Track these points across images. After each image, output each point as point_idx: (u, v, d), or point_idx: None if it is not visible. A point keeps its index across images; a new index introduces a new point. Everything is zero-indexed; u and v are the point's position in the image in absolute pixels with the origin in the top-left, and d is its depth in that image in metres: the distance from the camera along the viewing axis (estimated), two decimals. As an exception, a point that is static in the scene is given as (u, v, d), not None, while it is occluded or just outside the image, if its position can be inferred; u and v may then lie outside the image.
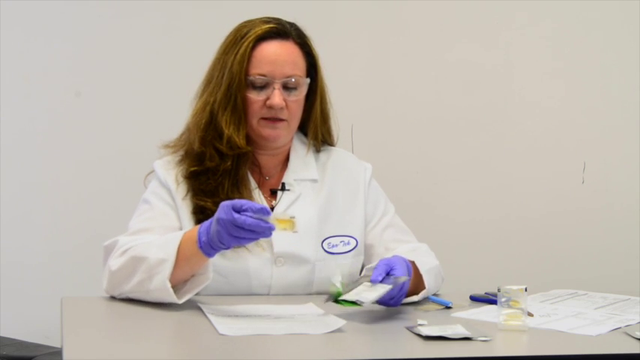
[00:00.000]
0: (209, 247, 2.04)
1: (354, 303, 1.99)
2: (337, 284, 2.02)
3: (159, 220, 2.26)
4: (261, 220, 1.96)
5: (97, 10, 3.42)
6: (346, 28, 3.51)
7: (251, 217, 1.96)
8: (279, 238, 2.26)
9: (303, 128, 2.38)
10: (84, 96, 3.44)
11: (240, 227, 1.96)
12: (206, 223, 2.06)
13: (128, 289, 2.13)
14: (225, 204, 1.99)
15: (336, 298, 2.02)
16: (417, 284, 2.16)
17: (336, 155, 2.41)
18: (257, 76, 2.25)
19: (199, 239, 2.05)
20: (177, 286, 2.09)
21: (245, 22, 2.32)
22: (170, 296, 2.06)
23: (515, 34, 3.56)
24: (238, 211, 1.97)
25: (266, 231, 1.97)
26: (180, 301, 2.07)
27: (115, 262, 2.15)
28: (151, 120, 3.27)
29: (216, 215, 2.01)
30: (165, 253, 2.08)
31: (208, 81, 2.31)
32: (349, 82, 3.48)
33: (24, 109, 3.43)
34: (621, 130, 3.57)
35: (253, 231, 1.97)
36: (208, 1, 3.38)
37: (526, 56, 3.56)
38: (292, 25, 2.33)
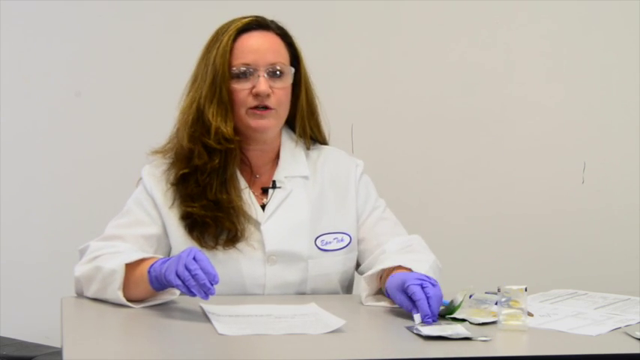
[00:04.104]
0: (155, 279, 2.06)
1: (462, 320, 1.99)
2: (458, 301, 2.02)
3: (131, 227, 2.28)
4: (206, 280, 1.96)
5: (97, 10, 3.42)
6: (346, 28, 3.51)
7: (200, 271, 1.97)
8: (271, 237, 2.27)
9: (292, 125, 2.39)
10: (84, 96, 3.44)
11: (188, 269, 1.97)
12: (163, 259, 2.08)
13: (90, 295, 2.17)
14: (192, 249, 2.01)
15: (449, 312, 2.02)
16: None
17: (328, 153, 2.42)
18: (241, 66, 2.26)
19: (150, 268, 2.07)
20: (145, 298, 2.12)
21: (226, 22, 2.34)
22: (126, 304, 2.09)
23: (515, 34, 3.56)
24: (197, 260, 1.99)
25: (202, 288, 1.96)
26: (137, 307, 2.09)
27: (80, 269, 2.20)
28: (152, 120, 3.26)
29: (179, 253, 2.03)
30: (116, 264, 2.11)
31: (194, 79, 2.32)
32: (349, 82, 3.49)
33: (24, 109, 3.43)
34: (621, 130, 3.57)
35: (194, 277, 1.96)
36: (208, 1, 3.38)
37: (526, 56, 3.56)
38: (272, 20, 2.35)
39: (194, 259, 1.98)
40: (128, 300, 2.09)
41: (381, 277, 2.19)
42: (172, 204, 2.28)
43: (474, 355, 1.79)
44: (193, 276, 1.96)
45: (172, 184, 2.29)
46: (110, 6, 3.42)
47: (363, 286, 2.20)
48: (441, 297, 2.01)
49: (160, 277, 2.03)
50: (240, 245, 2.26)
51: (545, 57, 3.57)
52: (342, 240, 2.34)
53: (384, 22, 3.52)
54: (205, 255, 2.00)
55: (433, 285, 2.01)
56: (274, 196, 2.32)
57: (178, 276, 1.97)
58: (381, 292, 2.20)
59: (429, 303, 1.97)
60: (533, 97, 3.57)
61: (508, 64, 3.56)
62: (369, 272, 2.20)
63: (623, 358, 1.83)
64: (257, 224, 2.29)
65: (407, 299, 2.01)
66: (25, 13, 3.39)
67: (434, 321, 1.97)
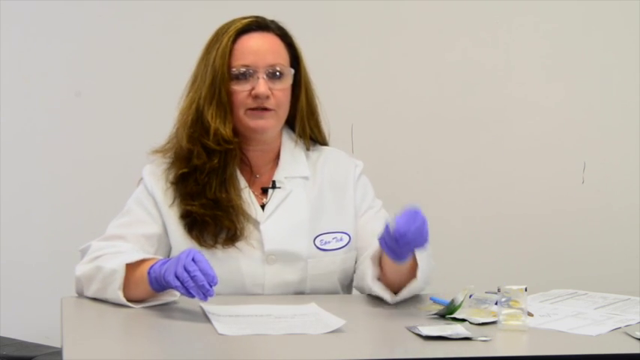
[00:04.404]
0: (154, 280, 2.06)
1: (462, 320, 1.99)
2: (459, 301, 2.02)
3: (133, 227, 2.28)
4: (204, 282, 1.96)
5: (97, 10, 3.42)
6: (346, 28, 3.51)
7: (199, 272, 1.97)
8: (270, 236, 2.27)
9: (292, 126, 2.39)
10: (84, 96, 3.44)
11: (186, 270, 1.97)
12: (163, 260, 2.08)
13: (90, 294, 2.17)
14: (191, 250, 2.01)
15: (449, 312, 2.02)
16: (412, 266, 2.16)
17: (327, 153, 2.42)
18: (240, 68, 2.26)
19: (150, 269, 2.07)
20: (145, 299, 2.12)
21: (225, 22, 2.34)
22: (126, 304, 2.09)
23: (515, 34, 3.56)
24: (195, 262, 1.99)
25: (201, 290, 1.96)
26: (137, 307, 2.09)
27: (81, 268, 2.20)
28: (152, 120, 3.26)
29: (179, 254, 2.02)
30: (117, 264, 2.11)
31: (193, 80, 2.32)
32: (349, 82, 3.48)
33: (24, 109, 3.43)
34: (621, 130, 3.57)
35: (193, 278, 1.96)
36: (209, 1, 3.38)
37: (526, 56, 3.56)
38: (272, 20, 2.35)
39: (193, 260, 1.98)
40: (128, 300, 2.09)
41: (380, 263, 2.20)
42: (172, 202, 2.29)
43: (474, 355, 1.79)
44: (192, 277, 1.96)
45: (172, 183, 2.29)
46: (110, 6, 3.42)
47: (368, 267, 2.19)
48: (423, 236, 2.05)
49: (159, 279, 2.03)
50: (240, 244, 2.27)
51: (545, 57, 3.56)
52: (341, 239, 2.34)
53: (384, 22, 3.52)
54: (204, 256, 2.00)
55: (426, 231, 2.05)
56: (274, 196, 2.33)
57: (177, 277, 1.97)
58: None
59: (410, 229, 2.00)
60: (533, 97, 3.57)
61: (508, 64, 3.56)
62: (374, 252, 2.19)
63: (623, 358, 1.83)
64: (256, 224, 2.29)
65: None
66: (25, 13, 3.39)
67: (392, 242, 2.00)
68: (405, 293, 2.16)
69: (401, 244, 2.03)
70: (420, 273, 2.15)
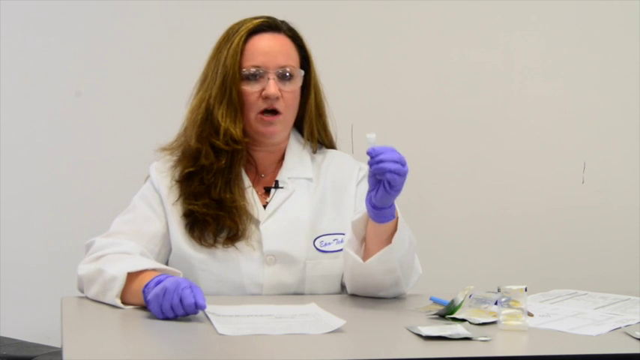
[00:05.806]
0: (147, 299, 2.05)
1: (462, 320, 1.99)
2: (459, 301, 2.02)
3: (137, 224, 2.28)
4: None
5: (97, 10, 3.42)
6: (346, 28, 3.51)
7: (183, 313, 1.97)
8: (269, 237, 2.27)
9: (300, 127, 2.39)
10: (84, 96, 3.43)
11: (172, 308, 1.96)
12: (158, 277, 2.06)
13: (90, 296, 2.18)
14: (179, 283, 1.98)
15: (449, 312, 2.02)
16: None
17: (332, 156, 2.42)
18: (251, 68, 2.26)
19: (145, 288, 2.06)
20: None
21: (237, 21, 2.33)
22: (123, 308, 2.10)
23: (515, 34, 3.56)
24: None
25: (190, 307, 1.95)
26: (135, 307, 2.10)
27: (83, 267, 2.20)
28: (152, 120, 3.27)
29: (166, 285, 1.99)
30: (118, 271, 2.10)
31: (203, 79, 2.33)
32: (349, 82, 3.48)
33: (24, 109, 3.42)
34: (621, 130, 3.57)
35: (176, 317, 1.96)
36: (208, 1, 3.38)
37: (526, 56, 3.56)
38: (283, 21, 2.35)
39: (180, 300, 1.96)
40: (126, 304, 2.10)
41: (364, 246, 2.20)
42: (176, 200, 2.29)
43: (474, 355, 1.79)
44: (176, 317, 1.97)
45: (177, 181, 2.29)
46: (110, 6, 3.42)
47: (347, 231, 2.20)
48: (399, 157, 2.19)
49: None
50: (240, 245, 2.27)
51: (545, 57, 3.56)
52: (341, 241, 2.33)
53: (384, 22, 3.52)
54: (191, 292, 1.97)
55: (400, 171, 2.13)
56: (276, 196, 2.33)
57: (163, 312, 1.97)
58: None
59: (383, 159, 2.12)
60: (533, 97, 3.57)
61: (508, 64, 3.56)
62: (356, 218, 2.20)
63: (623, 358, 1.83)
64: (257, 223, 2.30)
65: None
66: (25, 13, 3.39)
67: (372, 177, 2.09)
68: (377, 256, 2.15)
69: (379, 165, 2.11)
70: (396, 238, 2.14)
